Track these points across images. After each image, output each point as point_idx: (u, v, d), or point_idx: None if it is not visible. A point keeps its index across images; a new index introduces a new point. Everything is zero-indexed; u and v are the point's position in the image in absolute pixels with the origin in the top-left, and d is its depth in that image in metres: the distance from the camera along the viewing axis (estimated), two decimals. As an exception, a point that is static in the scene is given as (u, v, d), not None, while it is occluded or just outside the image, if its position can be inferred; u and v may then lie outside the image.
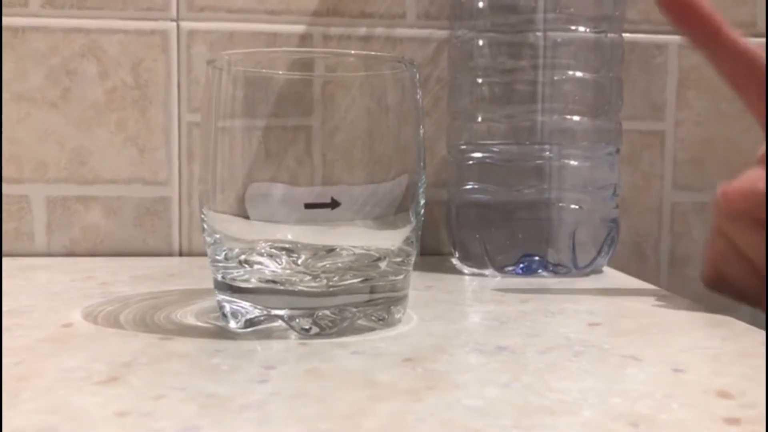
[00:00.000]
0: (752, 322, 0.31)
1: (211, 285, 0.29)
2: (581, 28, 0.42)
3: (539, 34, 0.41)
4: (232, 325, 0.28)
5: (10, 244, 0.47)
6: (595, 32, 0.42)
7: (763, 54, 0.35)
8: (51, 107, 0.47)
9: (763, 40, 0.51)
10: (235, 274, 0.28)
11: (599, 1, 0.42)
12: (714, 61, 0.35)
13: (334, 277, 0.28)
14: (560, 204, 0.42)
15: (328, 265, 0.28)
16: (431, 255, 0.49)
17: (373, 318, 0.29)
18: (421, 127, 0.30)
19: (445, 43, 0.49)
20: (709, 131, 0.51)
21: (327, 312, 0.27)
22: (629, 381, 0.23)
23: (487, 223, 0.42)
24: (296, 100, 0.28)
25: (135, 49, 0.47)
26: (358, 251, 0.29)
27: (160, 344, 0.26)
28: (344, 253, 0.28)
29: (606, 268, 0.45)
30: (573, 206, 0.42)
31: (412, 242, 0.29)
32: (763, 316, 0.46)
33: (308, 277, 0.27)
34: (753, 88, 0.35)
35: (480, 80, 0.42)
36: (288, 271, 0.28)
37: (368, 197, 0.28)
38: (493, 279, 0.41)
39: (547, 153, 0.41)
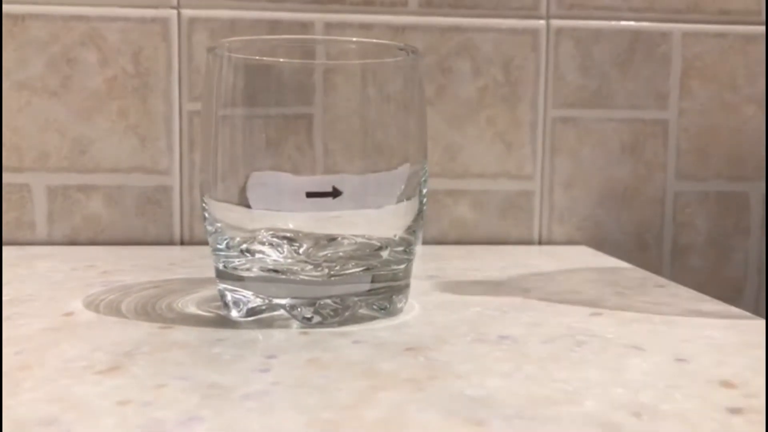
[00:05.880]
0: (755, 311, 0.31)
1: (212, 274, 0.29)
2: None
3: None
4: (234, 314, 0.28)
5: (12, 233, 0.47)
6: None
7: None
8: (51, 96, 0.47)
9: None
10: (237, 263, 0.28)
11: None
12: None
13: (335, 266, 0.27)
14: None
15: (329, 254, 0.28)
16: (435, 244, 0.49)
17: (374, 307, 0.28)
18: (423, 115, 0.30)
19: (447, 31, 0.48)
20: (713, 121, 0.51)
21: (329, 301, 0.27)
22: (632, 371, 0.23)
23: None
24: (297, 88, 0.28)
25: (135, 37, 0.47)
26: (359, 240, 0.28)
27: (162, 333, 0.26)
28: (346, 242, 0.28)
29: (608, 258, 0.45)
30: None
31: (413, 231, 0.29)
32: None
33: (310, 266, 0.27)
34: None
35: None
36: (290, 260, 0.27)
37: (370, 186, 0.28)
38: (493, 269, 0.41)
39: None
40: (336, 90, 0.28)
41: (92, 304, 0.30)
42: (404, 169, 0.28)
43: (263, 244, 0.28)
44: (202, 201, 0.29)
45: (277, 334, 0.26)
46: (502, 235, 0.50)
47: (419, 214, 0.29)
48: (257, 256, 0.28)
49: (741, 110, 0.51)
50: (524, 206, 0.50)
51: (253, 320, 0.28)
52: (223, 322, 0.28)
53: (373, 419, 0.19)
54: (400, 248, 0.29)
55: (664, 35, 0.51)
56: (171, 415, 0.19)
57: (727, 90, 0.51)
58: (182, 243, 0.49)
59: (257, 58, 0.28)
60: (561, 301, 0.32)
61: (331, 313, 0.27)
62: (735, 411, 0.20)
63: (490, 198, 0.50)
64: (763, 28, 0.51)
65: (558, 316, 0.30)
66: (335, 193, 0.27)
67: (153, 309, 0.30)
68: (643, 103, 0.51)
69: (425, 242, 0.49)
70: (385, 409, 0.20)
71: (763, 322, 0.29)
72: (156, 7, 0.47)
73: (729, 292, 0.51)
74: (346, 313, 0.28)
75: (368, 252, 0.28)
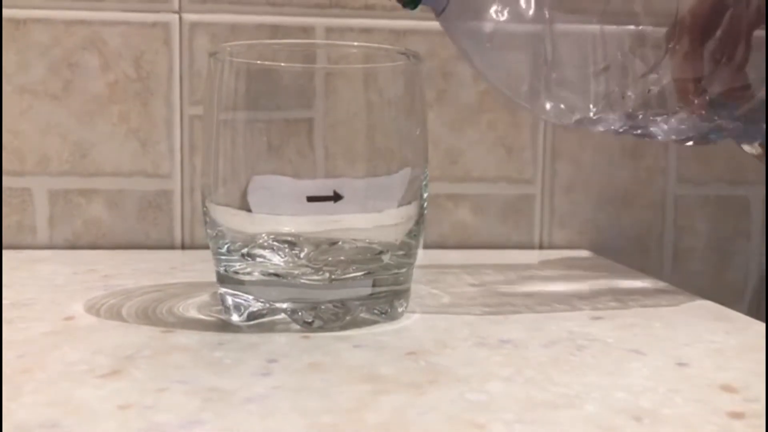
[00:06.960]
0: (756, 315, 0.31)
1: (213, 278, 0.29)
2: None
3: None
4: (235, 318, 0.28)
5: (13, 237, 0.47)
6: None
7: None
8: (53, 100, 0.47)
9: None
10: (238, 267, 0.28)
11: None
12: None
13: (336, 270, 0.27)
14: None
15: (330, 259, 0.28)
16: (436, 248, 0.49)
17: (375, 311, 0.28)
18: (424, 120, 0.30)
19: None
20: (713, 124, 0.51)
21: (329, 305, 0.27)
22: (632, 375, 0.23)
23: None
24: (298, 93, 0.28)
25: (137, 41, 0.47)
26: (360, 244, 0.29)
27: (163, 337, 0.26)
28: (347, 246, 0.28)
29: (609, 262, 0.45)
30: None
31: (414, 235, 0.29)
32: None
33: (311, 271, 0.27)
34: None
35: None
36: (290, 264, 0.27)
37: (371, 190, 0.28)
38: (494, 273, 0.41)
39: None
40: (337, 94, 0.28)
41: (93, 308, 0.30)
42: (405, 173, 0.28)
43: (264, 248, 0.28)
44: (203, 205, 0.29)
45: (277, 338, 0.26)
46: (503, 239, 0.50)
47: (420, 218, 0.29)
48: (258, 260, 0.28)
49: (741, 114, 0.51)
50: (525, 210, 0.50)
51: (254, 324, 0.28)
52: (224, 326, 0.28)
53: (374, 423, 0.19)
54: (401, 252, 0.29)
55: (665, 39, 0.51)
56: (172, 418, 0.19)
57: (727, 94, 0.51)
58: (183, 247, 0.49)
59: (258, 62, 0.28)
60: (561, 305, 0.32)
61: (332, 317, 0.27)
62: (736, 415, 0.20)
63: (491, 202, 0.50)
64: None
65: (558, 320, 0.30)
66: (336, 197, 0.27)
67: (154, 313, 0.30)
68: (644, 107, 0.51)
69: (426, 246, 0.49)
70: (386, 412, 0.20)
71: (764, 325, 0.29)
72: (157, 11, 0.47)
73: (729, 296, 0.51)
74: (347, 318, 0.28)
75: (369, 256, 0.28)
